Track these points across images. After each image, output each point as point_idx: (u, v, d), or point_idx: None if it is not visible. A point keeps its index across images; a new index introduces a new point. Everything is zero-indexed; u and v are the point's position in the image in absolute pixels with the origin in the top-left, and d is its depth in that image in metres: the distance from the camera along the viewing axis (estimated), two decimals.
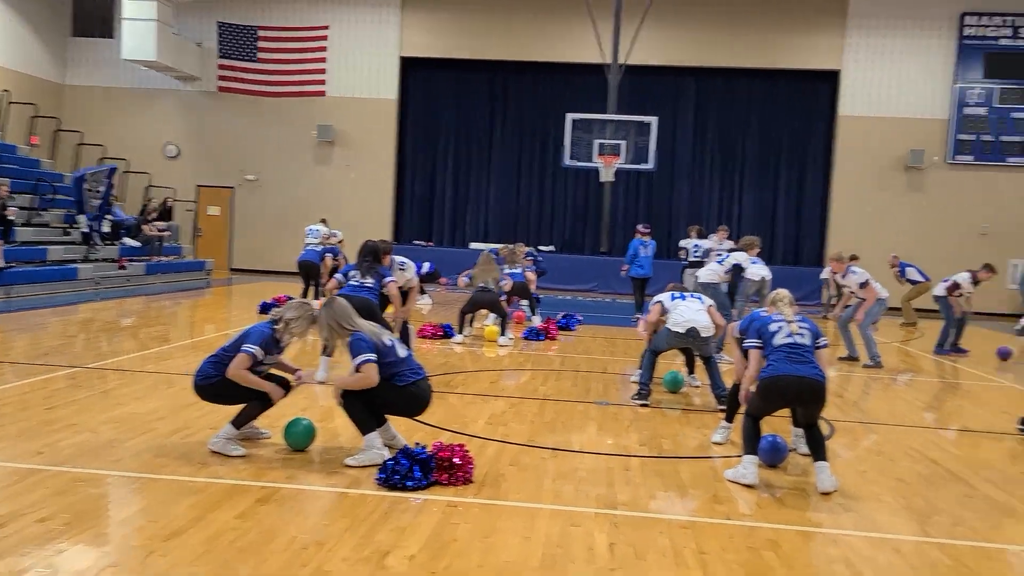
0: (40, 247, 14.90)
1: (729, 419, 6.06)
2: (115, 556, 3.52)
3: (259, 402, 5.16)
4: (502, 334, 10.68)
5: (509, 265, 12.42)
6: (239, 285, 18.25)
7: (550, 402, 7.23)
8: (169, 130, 21.91)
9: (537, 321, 12.05)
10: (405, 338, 8.31)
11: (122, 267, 16.04)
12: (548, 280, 17.51)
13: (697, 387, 8.04)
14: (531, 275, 12.78)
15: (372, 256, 7.62)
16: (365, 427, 4.95)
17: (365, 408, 4.93)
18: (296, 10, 21.38)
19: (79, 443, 5.13)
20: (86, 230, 15.81)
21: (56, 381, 6.98)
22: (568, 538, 3.98)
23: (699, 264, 14.89)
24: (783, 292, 5.52)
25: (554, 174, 21.81)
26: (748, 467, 4.99)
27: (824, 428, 5.16)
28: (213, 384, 5.13)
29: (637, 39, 19.18)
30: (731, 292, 10.72)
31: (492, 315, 11.24)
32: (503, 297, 10.96)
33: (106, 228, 16.36)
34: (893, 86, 20.02)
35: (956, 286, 11.96)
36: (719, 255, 11.27)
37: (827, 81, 20.66)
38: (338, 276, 7.88)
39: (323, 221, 17.06)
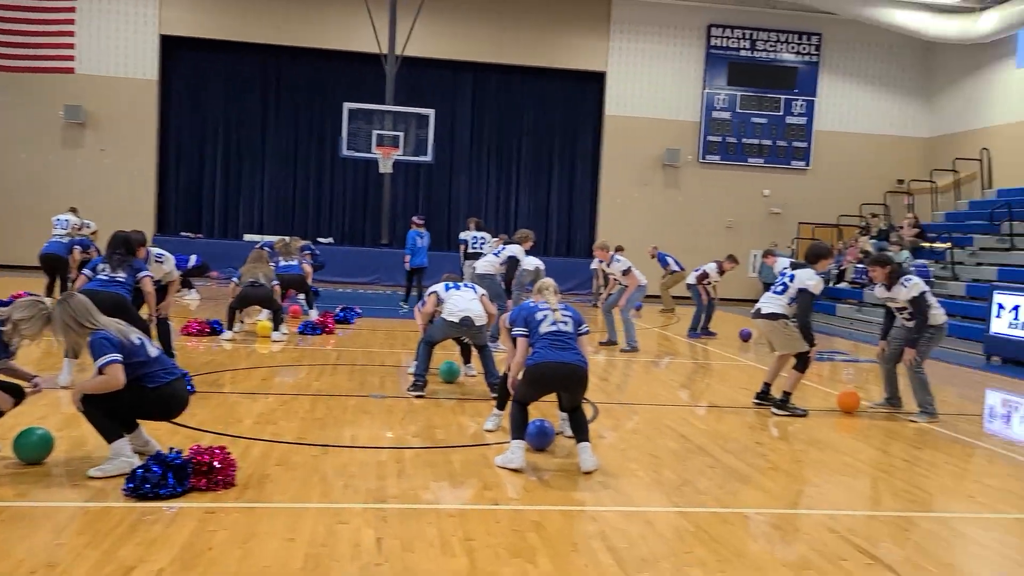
0: None
1: (500, 407, 6.21)
2: None
3: None
4: (275, 329, 10.28)
5: (284, 258, 11.99)
6: None
7: (323, 397, 7.05)
8: None
9: (314, 315, 11.73)
10: (165, 336, 7.77)
11: None
12: (328, 273, 17.12)
13: (473, 376, 8.18)
14: (308, 268, 12.43)
15: (124, 248, 7.04)
16: (110, 434, 4.54)
17: (109, 413, 4.53)
18: None
19: None
20: None
21: None
22: (334, 536, 3.89)
23: (478, 255, 15.26)
24: (548, 281, 5.76)
25: (332, 164, 21.32)
26: (516, 452, 5.14)
27: (588, 411, 5.42)
28: None
29: (414, 31, 19.19)
30: (508, 285, 11.04)
31: (265, 311, 10.79)
32: (277, 285, 10.56)
33: None
34: (652, 89, 21.51)
35: (705, 275, 13.25)
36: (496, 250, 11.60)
37: (595, 82, 21.80)
38: (86, 271, 7.20)
39: (72, 210, 15.45)
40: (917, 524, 4.61)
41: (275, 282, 10.60)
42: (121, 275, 6.94)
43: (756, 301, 7.94)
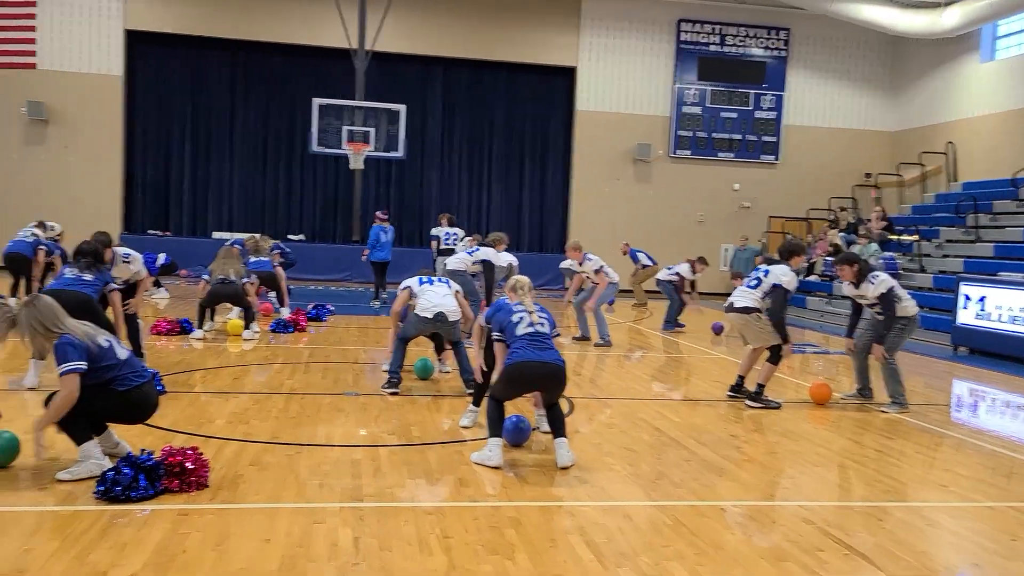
0: None
1: (476, 403, 6.18)
2: None
3: None
4: (247, 327, 10.17)
5: (254, 255, 11.86)
6: None
7: (297, 396, 6.98)
8: None
9: (286, 313, 11.62)
10: (134, 335, 7.65)
11: None
12: (299, 270, 16.94)
13: (447, 373, 8.14)
14: (281, 272, 12.31)
15: (92, 257, 6.91)
16: (80, 437, 4.45)
17: (78, 416, 4.43)
18: None
19: None
20: None
21: None
22: (310, 536, 3.84)
23: (450, 252, 15.21)
24: (523, 279, 5.73)
25: (302, 161, 21.11)
26: (493, 449, 5.12)
27: (564, 406, 5.42)
28: None
29: (383, 26, 19.04)
30: (488, 290, 10.99)
31: (236, 308, 10.66)
32: (248, 281, 10.44)
33: None
34: (623, 84, 21.56)
35: (680, 277, 13.40)
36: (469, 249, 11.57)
37: (565, 77, 21.80)
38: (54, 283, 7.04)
39: (39, 224, 14.56)
40: (891, 513, 4.66)
41: (248, 279, 10.47)
42: (88, 276, 6.81)
43: (727, 295, 7.99)
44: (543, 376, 5.24)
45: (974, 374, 10.41)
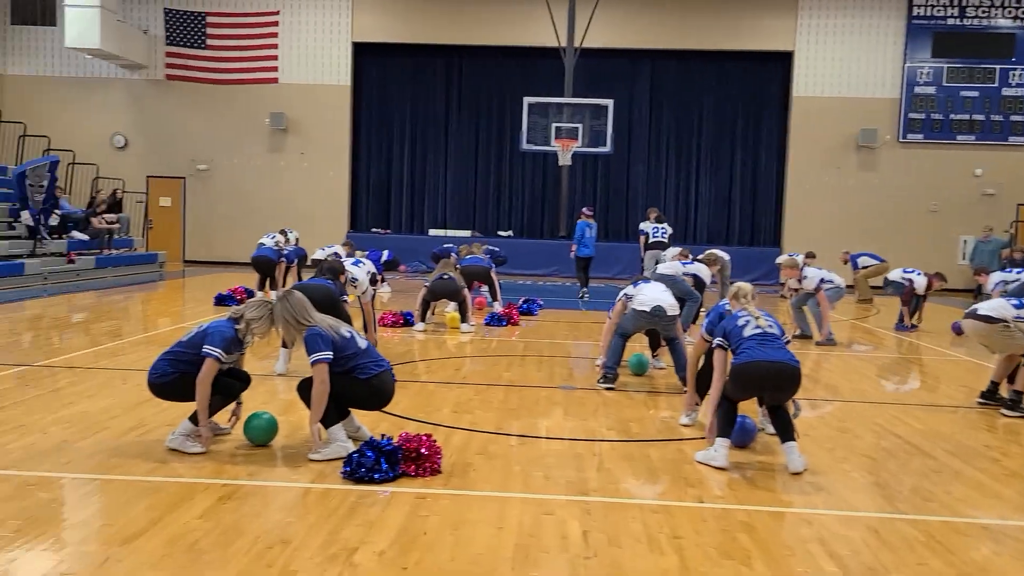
0: None
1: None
2: (70, 563, 3.36)
3: (220, 397, 5.00)
4: (463, 321, 10.57)
5: (468, 255, 12.33)
6: (193, 277, 17.82)
7: (515, 388, 7.15)
8: (116, 120, 21.28)
9: (498, 307, 11.97)
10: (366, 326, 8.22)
11: (71, 261, 15.55)
12: (507, 266, 17.41)
13: (662, 369, 8.02)
14: (492, 269, 12.68)
15: (332, 275, 7.60)
16: (328, 420, 4.82)
17: (328, 401, 4.80)
18: None
19: (28, 445, 4.91)
20: (31, 223, 15.28)
21: (3, 381, 6.70)
22: (541, 527, 3.91)
23: (660, 245, 15.00)
24: (746, 287, 5.48)
25: (511, 159, 21.69)
26: (720, 450, 4.96)
27: (790, 408, 5.15)
28: (169, 381, 4.95)
29: (592, 22, 19.10)
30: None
31: (452, 303, 11.13)
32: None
33: (53, 222, 15.83)
34: (845, 66, 20.21)
35: (912, 286, 12.19)
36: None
37: (780, 62, 20.79)
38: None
39: (281, 232, 15.88)
40: None
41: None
42: (329, 279, 7.47)
43: (965, 291, 7.23)
44: (776, 375, 4.94)
45: None
